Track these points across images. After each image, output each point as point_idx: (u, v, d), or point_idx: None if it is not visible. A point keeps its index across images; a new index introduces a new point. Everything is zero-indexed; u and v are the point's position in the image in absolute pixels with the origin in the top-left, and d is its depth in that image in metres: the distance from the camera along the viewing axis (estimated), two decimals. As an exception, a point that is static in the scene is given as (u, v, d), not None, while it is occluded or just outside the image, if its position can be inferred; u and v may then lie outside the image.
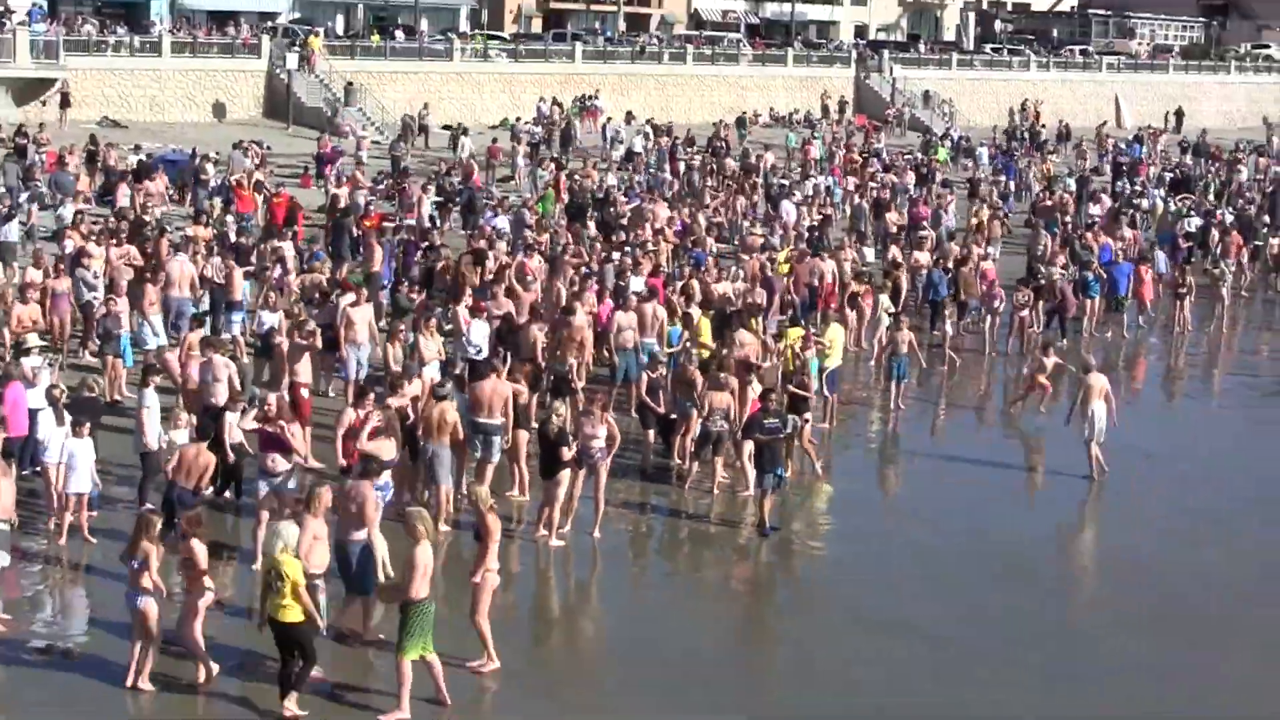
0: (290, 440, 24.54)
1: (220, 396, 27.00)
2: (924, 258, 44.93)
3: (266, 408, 24.96)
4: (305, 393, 29.65)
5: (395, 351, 30.77)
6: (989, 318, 42.33)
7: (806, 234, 48.84)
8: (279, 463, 24.19)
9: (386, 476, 24.17)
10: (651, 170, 60.91)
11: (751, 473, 27.96)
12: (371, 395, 25.86)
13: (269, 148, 58.60)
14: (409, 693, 19.36)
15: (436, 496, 25.96)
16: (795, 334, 33.11)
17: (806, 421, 30.25)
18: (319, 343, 30.90)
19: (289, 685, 19.41)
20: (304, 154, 60.08)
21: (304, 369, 29.91)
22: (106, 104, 66.80)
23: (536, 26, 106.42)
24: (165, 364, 29.14)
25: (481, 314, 33.57)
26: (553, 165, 59.54)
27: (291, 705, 19.34)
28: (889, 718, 20.41)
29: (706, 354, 32.07)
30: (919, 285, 43.22)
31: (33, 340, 28.93)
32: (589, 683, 21.21)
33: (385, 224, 44.17)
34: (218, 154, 54.77)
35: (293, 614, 19.17)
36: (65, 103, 63.78)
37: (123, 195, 46.47)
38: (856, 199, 56.69)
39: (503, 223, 45.52)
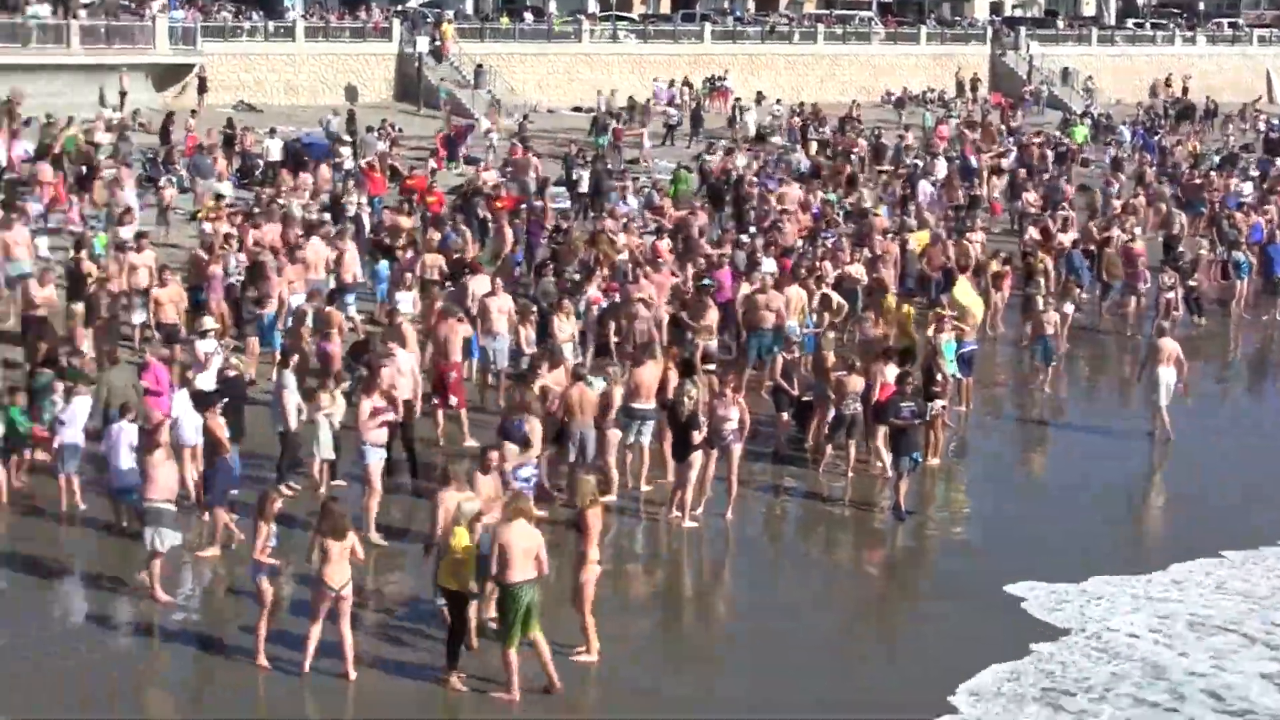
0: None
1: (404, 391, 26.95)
2: (1066, 239, 44.54)
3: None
4: (453, 373, 29.85)
5: (528, 333, 30.95)
6: (1133, 299, 42.01)
7: (947, 215, 48.54)
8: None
9: (534, 458, 24.29)
10: (783, 149, 60.60)
11: (887, 456, 27.90)
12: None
13: (400, 130, 58.94)
14: (515, 679, 19.44)
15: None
16: (908, 310, 33.16)
17: (943, 406, 30.12)
18: (469, 324, 31.14)
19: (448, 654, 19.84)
20: (434, 136, 60.36)
21: (454, 349, 30.07)
22: (242, 88, 67.47)
23: (665, 7, 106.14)
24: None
25: (613, 296, 33.64)
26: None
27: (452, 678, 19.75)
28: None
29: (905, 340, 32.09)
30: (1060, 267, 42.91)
31: (208, 324, 29.16)
32: (719, 665, 21.20)
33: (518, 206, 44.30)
34: (350, 136, 55.19)
35: (454, 583, 19.69)
36: (203, 88, 64.48)
37: (323, 179, 46.58)
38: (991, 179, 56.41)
39: (631, 204, 45.55)
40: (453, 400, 29.33)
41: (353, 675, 19.62)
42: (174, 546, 22.19)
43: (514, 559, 19.16)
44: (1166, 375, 31.40)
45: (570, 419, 26.25)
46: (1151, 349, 32.14)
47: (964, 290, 34.75)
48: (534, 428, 24.58)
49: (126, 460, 23.94)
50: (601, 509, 21.24)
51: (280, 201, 41.58)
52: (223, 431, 24.12)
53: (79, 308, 31.02)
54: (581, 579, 20.36)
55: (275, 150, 51.36)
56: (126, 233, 35.57)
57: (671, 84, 76.12)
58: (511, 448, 23.75)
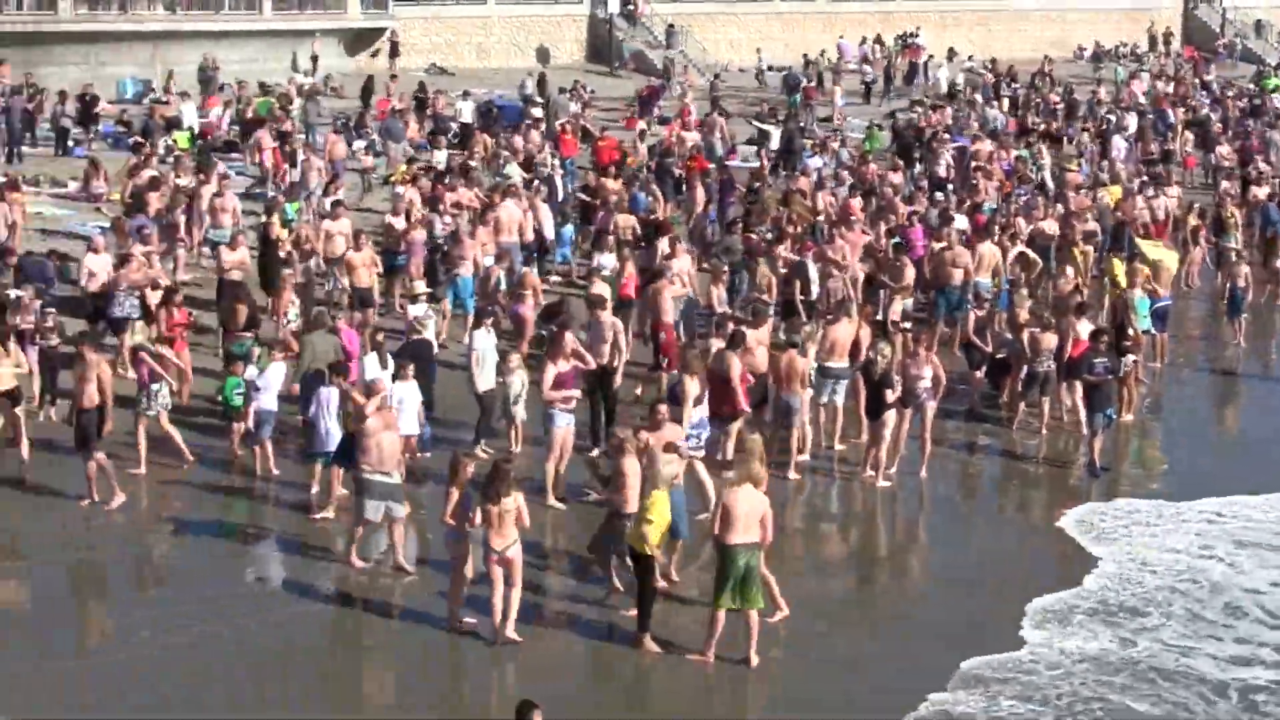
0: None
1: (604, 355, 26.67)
2: (1261, 192, 43.80)
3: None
4: (665, 335, 29.87)
5: (719, 292, 30.89)
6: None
7: (1140, 170, 47.90)
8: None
9: (702, 414, 24.18)
10: (977, 106, 59.97)
11: (1082, 413, 27.67)
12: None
13: (592, 91, 59.05)
14: (714, 642, 19.36)
15: (789, 441, 26.14)
16: (1118, 266, 32.75)
17: (1135, 361, 29.76)
18: (681, 285, 31.12)
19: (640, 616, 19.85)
20: (626, 97, 60.46)
21: (668, 309, 30.07)
22: (434, 51, 67.84)
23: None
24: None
25: (808, 254, 33.53)
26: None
27: (646, 640, 19.73)
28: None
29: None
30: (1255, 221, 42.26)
31: (419, 288, 29.42)
32: (914, 624, 21.04)
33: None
34: (541, 98, 55.35)
35: (640, 543, 19.70)
36: (394, 52, 64.91)
37: (533, 143, 46.74)
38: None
39: (818, 163, 45.29)
40: (663, 361, 29.31)
41: (515, 636, 19.57)
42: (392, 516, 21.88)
43: (735, 520, 19.04)
44: None
45: (776, 385, 26.17)
46: None
47: (1154, 247, 34.25)
48: (688, 387, 24.16)
49: (332, 424, 24.26)
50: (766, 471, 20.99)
51: (473, 163, 41.85)
52: (361, 398, 23.36)
53: (287, 272, 31.23)
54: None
55: (468, 113, 51.57)
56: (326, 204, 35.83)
57: (864, 41, 75.63)
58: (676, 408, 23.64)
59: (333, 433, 24.16)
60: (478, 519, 19.54)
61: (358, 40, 65.00)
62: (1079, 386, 27.81)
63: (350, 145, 44.58)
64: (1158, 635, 20.52)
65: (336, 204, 34.79)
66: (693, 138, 48.50)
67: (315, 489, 24.36)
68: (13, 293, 28.26)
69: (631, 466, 20.56)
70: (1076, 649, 20.01)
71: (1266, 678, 19.44)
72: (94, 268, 29.57)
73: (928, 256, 34.30)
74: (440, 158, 43.64)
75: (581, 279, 34.37)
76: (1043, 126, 55.04)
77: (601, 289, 29.42)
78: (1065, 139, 53.16)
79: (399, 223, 34.21)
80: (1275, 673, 19.61)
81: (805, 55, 70.26)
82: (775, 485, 23.87)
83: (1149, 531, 24.33)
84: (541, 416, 24.84)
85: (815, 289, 32.49)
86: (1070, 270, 33.35)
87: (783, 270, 32.88)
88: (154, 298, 29.12)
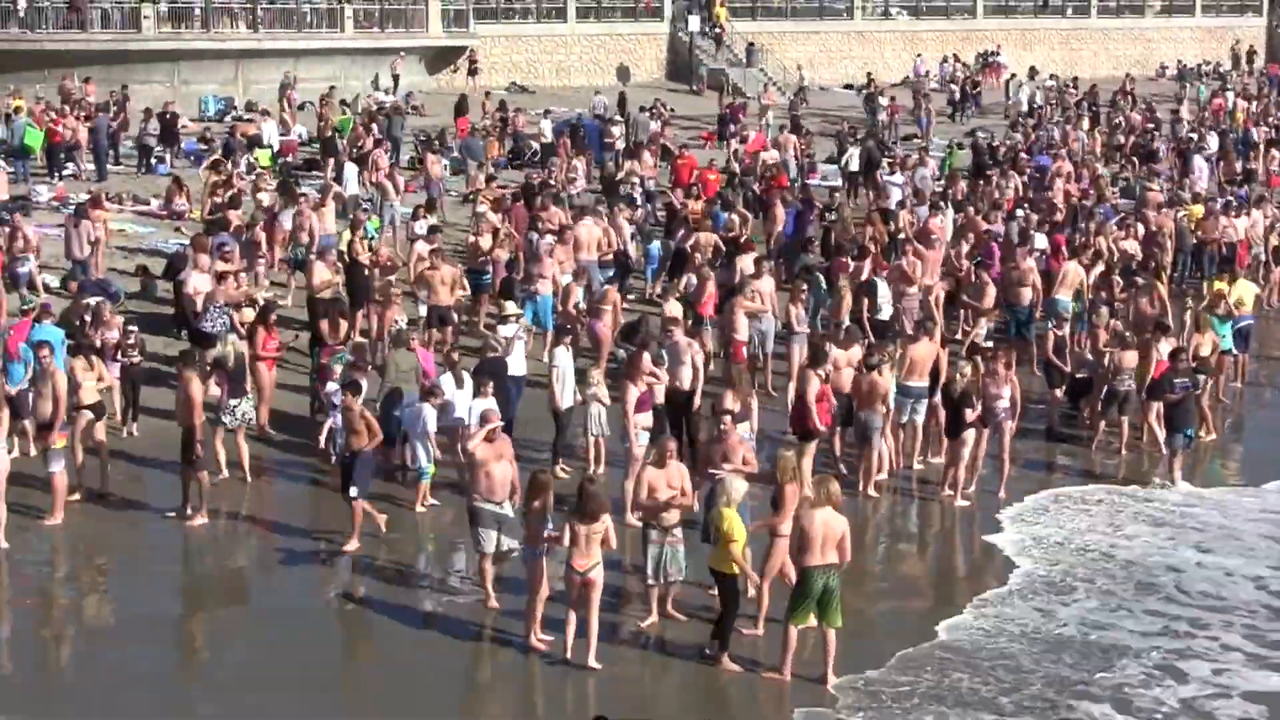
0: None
1: (684, 380, 26.52)
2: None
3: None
4: (744, 350, 29.98)
5: (798, 311, 30.87)
6: None
7: (1223, 189, 47.62)
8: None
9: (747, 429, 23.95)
10: (1055, 125, 59.77)
11: (1161, 432, 27.64)
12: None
13: (672, 109, 59.15)
14: (791, 658, 19.35)
15: (867, 460, 26.23)
16: (1218, 287, 32.67)
17: (1207, 381, 29.66)
18: (762, 303, 31.11)
19: (724, 636, 19.79)
20: (707, 115, 60.55)
21: (741, 327, 30.11)
22: (514, 70, 68.13)
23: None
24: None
25: (883, 273, 33.52)
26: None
27: (732, 656, 19.69)
28: None
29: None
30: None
31: (511, 308, 29.48)
32: (994, 648, 20.98)
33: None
34: (621, 116, 55.46)
35: (721, 564, 19.61)
36: (473, 70, 65.29)
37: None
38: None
39: (898, 180, 45.27)
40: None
41: (595, 664, 19.43)
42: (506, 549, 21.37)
43: (812, 542, 19.03)
44: None
45: (859, 406, 26.19)
46: None
47: (1239, 284, 33.85)
48: (726, 402, 23.79)
49: (422, 442, 24.70)
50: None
51: (551, 182, 42.00)
52: (372, 422, 23.47)
53: (388, 288, 31.40)
54: (770, 552, 20.25)
55: (548, 131, 51.74)
56: (421, 227, 35.77)
57: (945, 60, 75.53)
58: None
59: (419, 450, 24.68)
60: (565, 539, 19.53)
61: (439, 58, 65.36)
62: (1157, 406, 27.75)
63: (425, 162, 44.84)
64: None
65: (434, 230, 34.73)
66: (772, 156, 48.52)
67: (419, 506, 24.87)
68: (91, 300, 28.53)
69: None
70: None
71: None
72: (199, 285, 29.77)
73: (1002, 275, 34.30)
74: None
75: (659, 298, 34.41)
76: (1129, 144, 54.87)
77: (674, 309, 29.54)
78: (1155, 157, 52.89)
79: (485, 241, 34.31)
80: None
81: (869, 75, 70.12)
82: (854, 504, 24.18)
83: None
84: (621, 435, 24.92)
85: (888, 308, 32.52)
86: (1161, 288, 33.24)
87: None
88: (245, 315, 29.33)
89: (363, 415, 23.23)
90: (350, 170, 41.41)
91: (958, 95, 68.70)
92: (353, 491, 23.10)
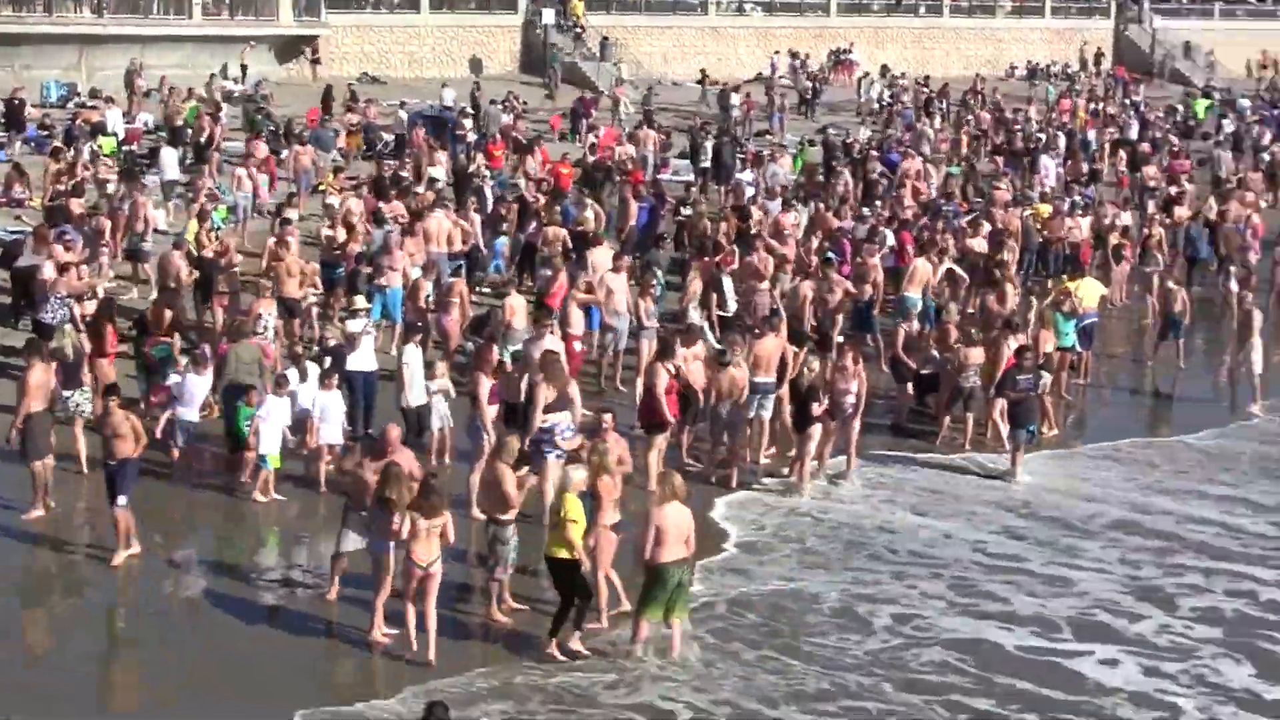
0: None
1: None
2: (1183, 213, 44.18)
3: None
4: (578, 345, 29.81)
5: (647, 306, 30.86)
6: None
7: (1069, 189, 48.16)
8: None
9: (557, 420, 23.86)
10: (906, 124, 60.27)
11: (1005, 428, 27.98)
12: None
13: (525, 103, 59.04)
14: (641, 645, 19.54)
15: (733, 456, 26.52)
16: (1064, 285, 33.09)
17: (1048, 378, 30.00)
18: (600, 295, 31.10)
19: (559, 625, 19.71)
20: (560, 109, 60.52)
21: (576, 320, 30.08)
22: (366, 60, 67.74)
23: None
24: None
25: (727, 270, 33.65)
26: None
27: (562, 646, 19.62)
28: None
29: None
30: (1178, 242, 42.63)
31: (359, 303, 29.22)
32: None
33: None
34: (472, 109, 55.24)
35: (560, 550, 19.50)
36: (315, 61, 64.65)
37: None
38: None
39: (749, 177, 45.35)
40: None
41: (433, 659, 19.37)
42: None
43: (666, 538, 19.10)
44: (1258, 345, 32.16)
45: (717, 400, 26.26)
46: (1243, 320, 32.96)
47: (1085, 283, 34.22)
48: (540, 393, 24.01)
49: (270, 433, 24.62)
50: (616, 478, 21.04)
51: (403, 175, 41.83)
52: (138, 427, 22.71)
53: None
54: (592, 544, 20.10)
55: (404, 124, 51.41)
56: (292, 214, 35.46)
57: (794, 56, 75.92)
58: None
59: (274, 442, 24.60)
60: (405, 532, 19.43)
61: (288, 47, 64.83)
62: (1001, 403, 28.10)
63: (279, 154, 44.55)
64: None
65: (285, 221, 34.08)
66: (626, 151, 48.56)
67: (260, 497, 24.71)
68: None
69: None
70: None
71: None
72: (49, 274, 29.30)
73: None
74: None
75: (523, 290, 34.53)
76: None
77: (516, 302, 29.89)
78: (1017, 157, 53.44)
79: (339, 234, 34.05)
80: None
81: (702, 71, 70.33)
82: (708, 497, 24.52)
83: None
84: (467, 428, 24.85)
85: (733, 304, 32.70)
86: (1009, 288, 33.56)
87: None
88: (86, 307, 28.86)
89: (128, 419, 22.53)
90: (170, 156, 41.09)
91: (809, 93, 69.03)
92: (120, 501, 22.28)
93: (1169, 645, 20.93)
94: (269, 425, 24.78)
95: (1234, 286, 37.68)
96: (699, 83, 68.95)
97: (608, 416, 22.54)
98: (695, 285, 32.63)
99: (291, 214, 35.23)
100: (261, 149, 42.29)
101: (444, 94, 58.36)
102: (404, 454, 21.36)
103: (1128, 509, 26.16)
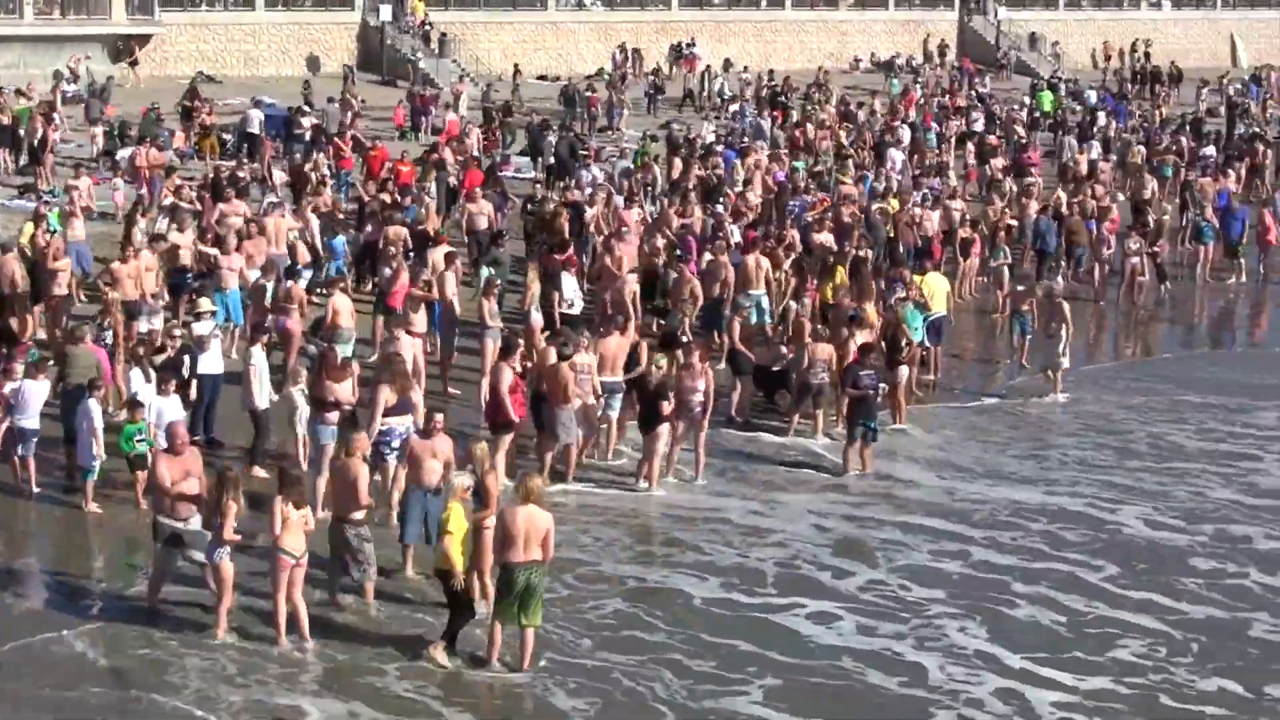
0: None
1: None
2: (1032, 206, 44.73)
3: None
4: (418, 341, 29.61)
5: (490, 305, 30.71)
6: (1096, 266, 42.35)
7: (916, 183, 48.61)
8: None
9: (395, 424, 24.19)
10: (749, 119, 60.62)
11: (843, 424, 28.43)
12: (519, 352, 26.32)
13: (363, 101, 58.84)
14: (496, 651, 19.61)
15: (568, 456, 26.53)
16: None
17: (902, 373, 30.34)
18: (435, 294, 31.08)
19: (447, 634, 19.84)
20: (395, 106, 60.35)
21: (419, 320, 29.99)
22: (201, 59, 67.26)
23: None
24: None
25: (573, 267, 33.75)
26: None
27: (439, 654, 19.70)
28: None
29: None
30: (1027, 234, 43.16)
31: (205, 305, 29.02)
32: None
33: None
34: (310, 107, 54.88)
35: (445, 563, 19.60)
36: (133, 63, 63.97)
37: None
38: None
39: (595, 173, 45.50)
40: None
41: (309, 644, 19.73)
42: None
43: (515, 539, 19.14)
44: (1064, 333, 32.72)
45: (553, 400, 26.22)
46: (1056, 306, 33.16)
47: (930, 278, 34.59)
48: (380, 395, 24.33)
49: (90, 439, 24.30)
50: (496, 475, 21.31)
51: (241, 175, 41.60)
52: None
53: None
54: (479, 547, 20.25)
55: (255, 123, 50.88)
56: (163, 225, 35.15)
57: (622, 51, 76.01)
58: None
59: (88, 448, 24.26)
60: (277, 523, 19.52)
61: (123, 46, 64.24)
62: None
63: (113, 154, 44.20)
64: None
65: (130, 222, 34.03)
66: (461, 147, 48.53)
67: (89, 505, 24.46)
68: None
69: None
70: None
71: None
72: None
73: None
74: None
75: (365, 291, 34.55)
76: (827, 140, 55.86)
77: (341, 303, 29.82)
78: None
79: (184, 238, 33.77)
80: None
81: (516, 66, 70.50)
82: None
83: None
84: (309, 431, 24.98)
85: (579, 303, 32.96)
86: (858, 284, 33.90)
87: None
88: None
89: None
90: None
91: (651, 88, 69.25)
92: None
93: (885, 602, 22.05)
94: (24, 417, 24.82)
95: (1059, 284, 37.56)
96: (541, 78, 69.07)
97: (438, 417, 22.62)
98: (535, 285, 32.72)
99: (142, 219, 35.09)
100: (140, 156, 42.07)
101: (263, 99, 57.82)
102: (190, 452, 21.48)
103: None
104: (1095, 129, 62.47)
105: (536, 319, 31.20)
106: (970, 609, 22.03)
